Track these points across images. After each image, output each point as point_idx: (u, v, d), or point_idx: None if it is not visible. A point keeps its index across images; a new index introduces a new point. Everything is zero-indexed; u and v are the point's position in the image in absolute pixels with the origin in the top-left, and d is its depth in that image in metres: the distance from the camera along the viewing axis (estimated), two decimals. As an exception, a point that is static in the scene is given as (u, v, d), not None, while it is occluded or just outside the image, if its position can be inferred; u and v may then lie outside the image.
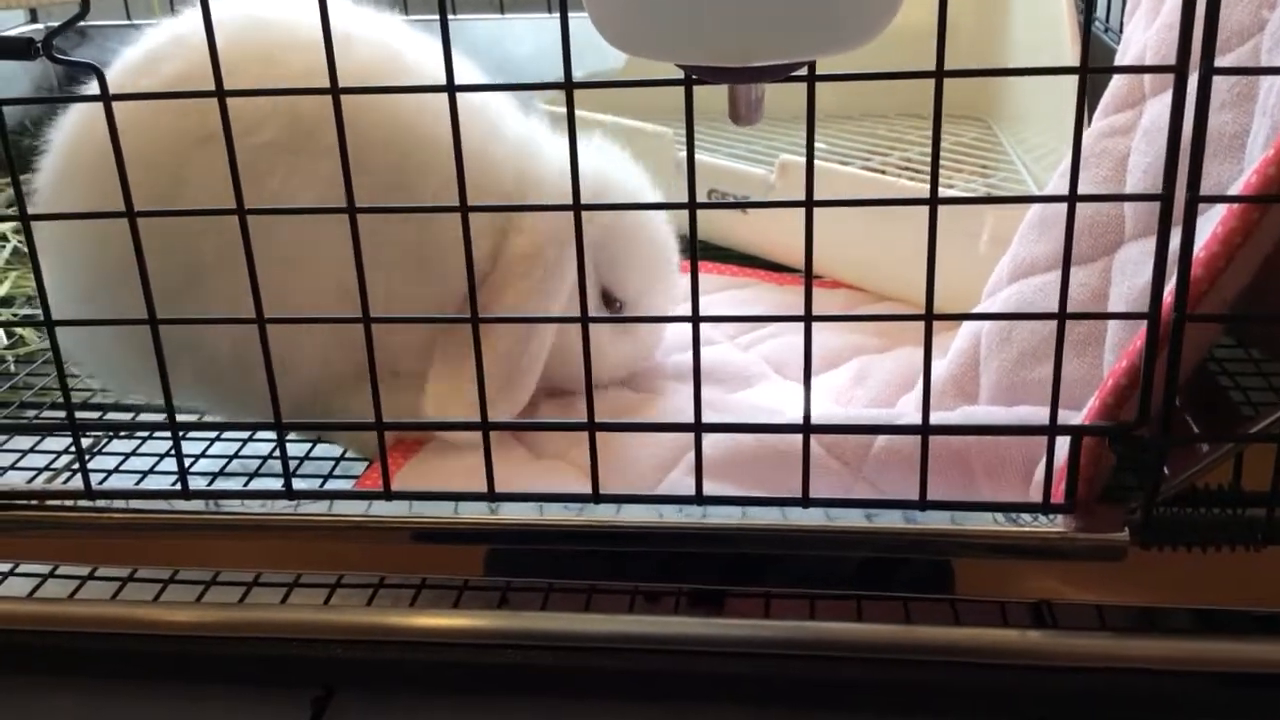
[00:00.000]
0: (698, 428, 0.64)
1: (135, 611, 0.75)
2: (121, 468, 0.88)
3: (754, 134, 1.39)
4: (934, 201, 0.56)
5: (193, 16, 0.84)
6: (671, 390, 0.95)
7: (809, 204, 0.57)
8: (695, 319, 0.61)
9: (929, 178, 0.56)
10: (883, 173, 1.25)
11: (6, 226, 1.30)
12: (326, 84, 0.58)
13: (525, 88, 0.62)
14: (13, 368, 1.06)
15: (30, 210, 0.67)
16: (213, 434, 0.92)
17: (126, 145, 0.61)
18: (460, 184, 0.60)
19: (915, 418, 0.77)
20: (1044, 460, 0.66)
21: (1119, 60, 0.90)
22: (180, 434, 0.69)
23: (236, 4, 0.83)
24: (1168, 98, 0.72)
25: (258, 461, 0.88)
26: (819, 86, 0.56)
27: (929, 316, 0.59)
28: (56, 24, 0.61)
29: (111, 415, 0.96)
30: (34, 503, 0.72)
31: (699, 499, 0.66)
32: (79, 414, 0.70)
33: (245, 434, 0.91)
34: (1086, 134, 0.83)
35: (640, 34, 0.48)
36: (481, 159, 0.59)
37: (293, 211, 0.72)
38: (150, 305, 0.64)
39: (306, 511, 0.70)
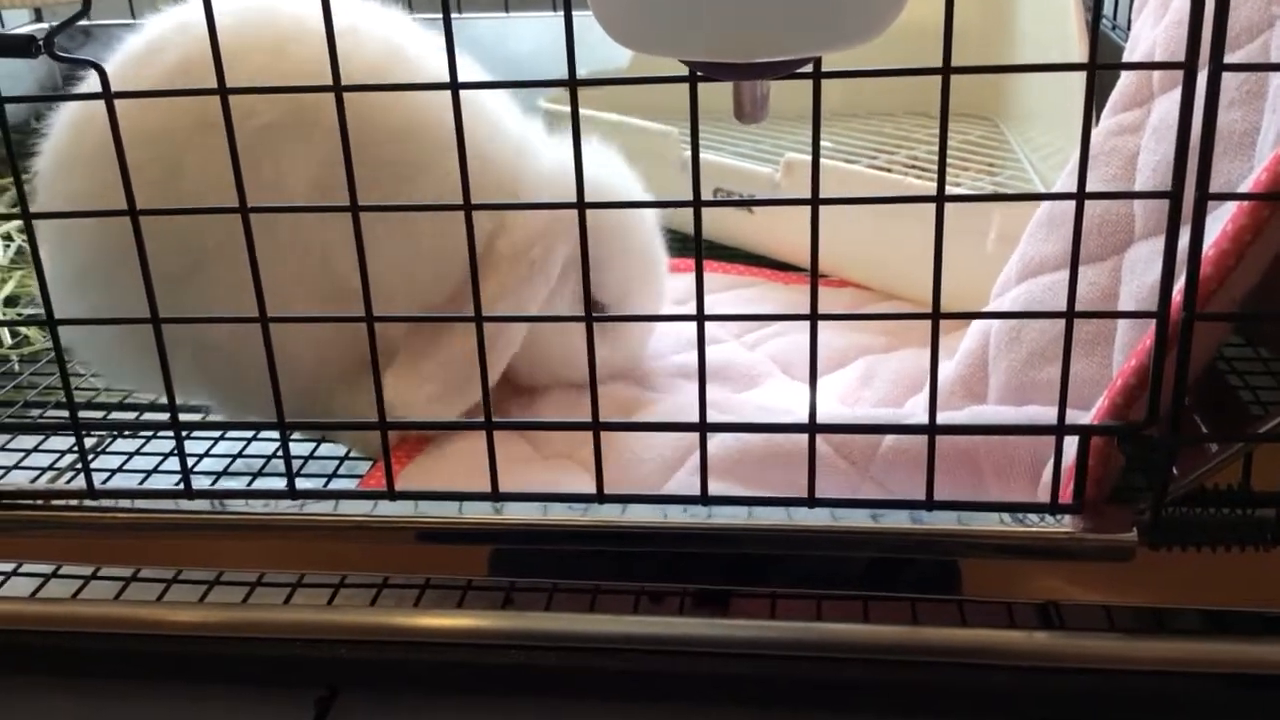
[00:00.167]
0: (703, 427, 0.64)
1: (138, 611, 0.74)
2: (125, 467, 0.88)
3: (759, 132, 1.39)
4: (941, 199, 0.56)
5: (199, 5, 0.84)
6: (678, 389, 0.95)
7: (814, 202, 0.57)
8: (700, 318, 0.61)
9: (936, 176, 0.56)
10: (889, 171, 1.24)
11: (12, 226, 1.30)
12: (330, 76, 0.58)
13: (529, 84, 0.62)
14: (17, 367, 1.06)
15: (32, 202, 0.66)
16: (216, 434, 0.91)
17: (127, 130, 0.61)
18: (464, 183, 0.60)
19: (923, 418, 0.77)
20: (1052, 460, 0.66)
21: (1127, 58, 0.90)
22: (183, 434, 0.69)
23: None
24: (1177, 95, 0.71)
25: (261, 461, 0.88)
26: (825, 84, 0.55)
27: (936, 315, 0.59)
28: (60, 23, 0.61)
29: (115, 415, 0.96)
30: (37, 502, 0.72)
31: (704, 499, 0.66)
32: (82, 413, 0.70)
33: (249, 433, 0.91)
34: (1095, 132, 0.82)
35: (644, 29, 0.48)
36: (482, 158, 0.59)
37: (296, 210, 0.71)
38: (153, 304, 0.64)
39: (310, 511, 0.69)
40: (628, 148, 0.97)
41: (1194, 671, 0.66)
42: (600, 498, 0.67)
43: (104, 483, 0.75)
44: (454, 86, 0.58)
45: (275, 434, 0.69)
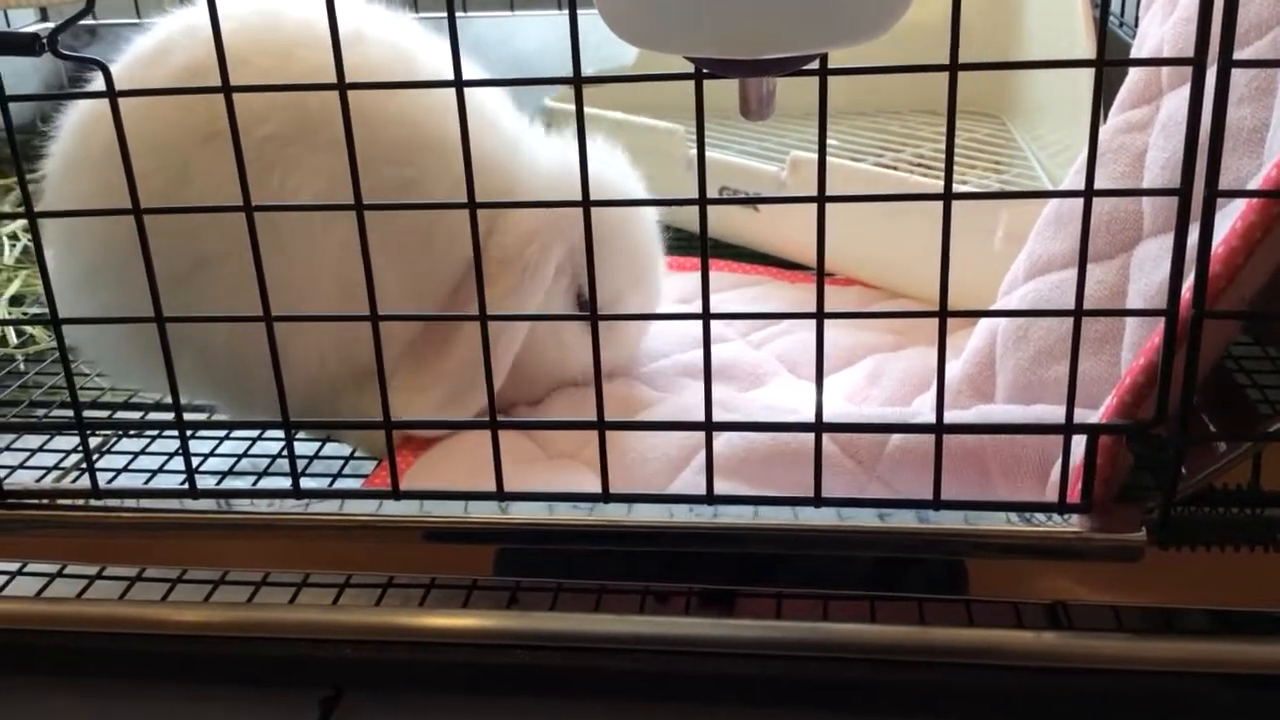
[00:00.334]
0: (708, 426, 0.64)
1: (143, 611, 0.74)
2: (130, 467, 0.88)
3: (765, 131, 1.39)
4: (948, 197, 0.56)
5: (207, 8, 0.83)
6: (682, 388, 0.94)
7: (821, 200, 0.57)
8: (706, 316, 0.61)
9: (943, 174, 0.56)
10: (895, 169, 1.24)
11: (17, 225, 1.30)
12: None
13: (535, 82, 0.61)
14: (22, 366, 1.06)
15: (38, 203, 0.66)
16: (221, 433, 0.91)
17: (134, 137, 0.61)
18: (468, 181, 0.60)
19: (930, 417, 0.77)
20: (1060, 459, 0.66)
21: (1135, 55, 0.89)
22: (188, 433, 0.69)
23: None
24: (1185, 92, 0.71)
25: (266, 460, 0.88)
26: (831, 82, 0.55)
27: (943, 313, 0.59)
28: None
29: (120, 414, 0.96)
30: (42, 502, 0.72)
31: (710, 498, 0.65)
32: (87, 413, 0.70)
33: (254, 433, 0.91)
34: (1103, 130, 0.82)
35: (649, 26, 0.47)
36: (480, 159, 0.60)
37: (298, 208, 0.71)
38: (157, 303, 0.64)
39: (315, 511, 0.69)
40: (633, 146, 0.96)
41: (1202, 672, 0.65)
42: (606, 497, 0.66)
43: (109, 482, 0.74)
44: (458, 84, 0.58)
45: (280, 433, 0.69)
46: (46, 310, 0.67)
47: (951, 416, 0.75)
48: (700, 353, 0.62)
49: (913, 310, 1.08)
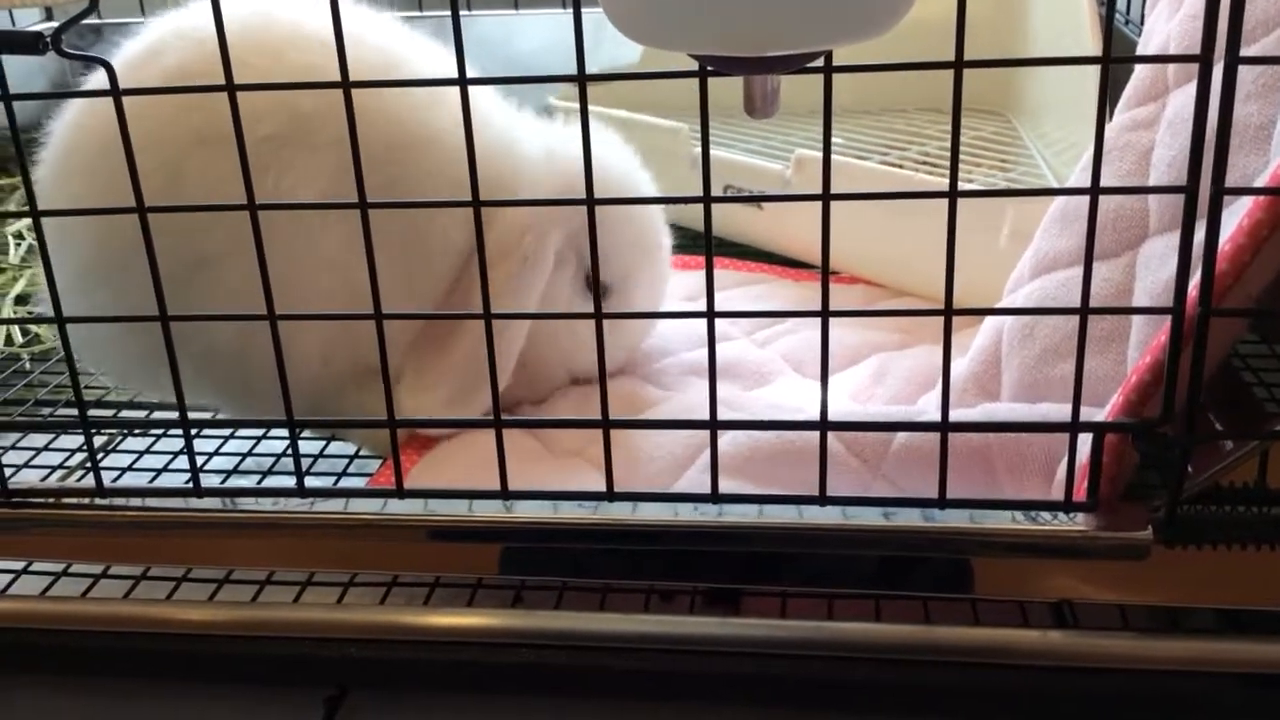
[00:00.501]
0: (713, 425, 0.64)
1: (148, 610, 0.74)
2: (135, 466, 0.88)
3: (770, 129, 1.38)
4: (954, 194, 0.56)
5: (197, 10, 0.83)
6: (687, 387, 0.94)
7: (826, 198, 0.56)
8: (710, 315, 0.61)
9: (948, 172, 0.56)
10: (900, 167, 1.23)
11: (22, 224, 1.30)
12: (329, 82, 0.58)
13: (539, 80, 0.61)
14: (28, 365, 1.06)
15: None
16: (226, 432, 0.91)
17: (119, 150, 0.60)
18: (472, 180, 0.59)
19: (936, 415, 0.77)
20: (1066, 458, 0.66)
21: (1141, 52, 0.89)
22: (193, 432, 0.69)
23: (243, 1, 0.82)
24: (1191, 89, 0.70)
25: (271, 459, 0.88)
26: (836, 80, 0.55)
27: (949, 311, 0.59)
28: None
29: (125, 413, 0.96)
30: (47, 501, 0.72)
31: (715, 497, 0.65)
32: (92, 412, 0.70)
33: (259, 432, 0.91)
34: (1108, 128, 0.82)
35: (653, 23, 0.47)
36: (464, 153, 0.60)
37: (303, 207, 0.71)
38: (161, 302, 0.64)
39: (320, 510, 0.69)
40: (638, 145, 0.96)
41: (1209, 671, 0.65)
42: (610, 496, 0.66)
43: (114, 481, 0.75)
44: (462, 82, 0.58)
45: (285, 432, 0.69)
46: (51, 309, 0.67)
47: (957, 415, 0.75)
48: (703, 351, 0.62)
49: (918, 309, 1.07)
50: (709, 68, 0.53)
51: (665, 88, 0.55)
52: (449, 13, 0.57)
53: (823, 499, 0.64)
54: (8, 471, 0.72)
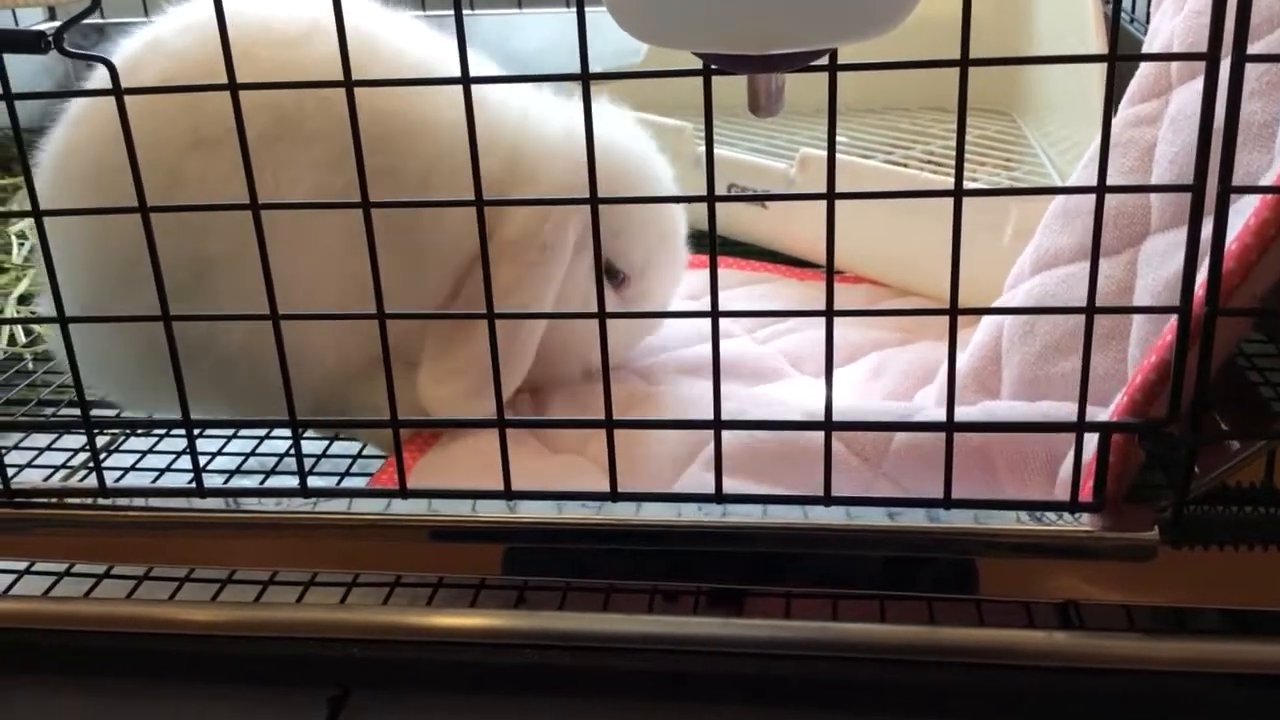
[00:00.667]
0: (717, 424, 0.63)
1: (150, 610, 0.74)
2: (137, 466, 0.88)
3: (774, 128, 1.38)
4: (959, 193, 0.55)
5: (167, 21, 0.82)
6: (688, 384, 0.94)
7: (830, 197, 0.56)
8: (715, 314, 0.60)
9: (952, 171, 0.55)
10: (905, 166, 1.23)
11: (26, 223, 1.30)
12: (297, 80, 0.58)
13: (543, 79, 0.61)
14: (31, 365, 1.06)
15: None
16: (229, 432, 0.91)
17: (114, 153, 0.60)
18: (475, 178, 0.59)
19: (934, 411, 0.76)
20: (1070, 457, 0.65)
21: (1146, 50, 0.89)
22: (196, 432, 0.69)
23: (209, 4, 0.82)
24: (1195, 86, 0.70)
25: (274, 459, 0.88)
26: (840, 79, 0.55)
27: (953, 311, 0.58)
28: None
29: (128, 413, 0.96)
30: (50, 501, 0.72)
31: (718, 497, 0.65)
32: (95, 412, 0.70)
33: (261, 432, 0.91)
34: (1112, 123, 0.81)
35: (657, 21, 0.47)
36: (476, 143, 0.59)
37: (306, 206, 0.71)
38: (164, 301, 0.64)
39: (323, 510, 0.69)
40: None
41: (1215, 672, 0.65)
42: (614, 496, 0.66)
43: (116, 481, 0.75)
44: (465, 81, 0.58)
45: (288, 432, 0.69)
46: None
47: (957, 412, 0.74)
48: (701, 348, 0.62)
49: (922, 308, 1.07)
50: (713, 66, 0.53)
51: (669, 86, 0.55)
52: (451, 12, 0.57)
53: (827, 499, 0.64)
54: (11, 471, 0.72)
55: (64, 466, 0.87)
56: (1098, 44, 1.15)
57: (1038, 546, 0.64)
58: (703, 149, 0.57)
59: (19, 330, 1.11)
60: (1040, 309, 0.80)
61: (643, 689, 0.70)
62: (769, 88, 0.53)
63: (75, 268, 0.79)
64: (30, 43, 0.57)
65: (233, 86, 0.59)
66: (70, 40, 0.59)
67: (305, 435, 0.88)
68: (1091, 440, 0.64)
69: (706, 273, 0.60)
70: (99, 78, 0.73)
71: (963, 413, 0.76)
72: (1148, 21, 0.91)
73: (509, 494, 0.67)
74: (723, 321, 0.61)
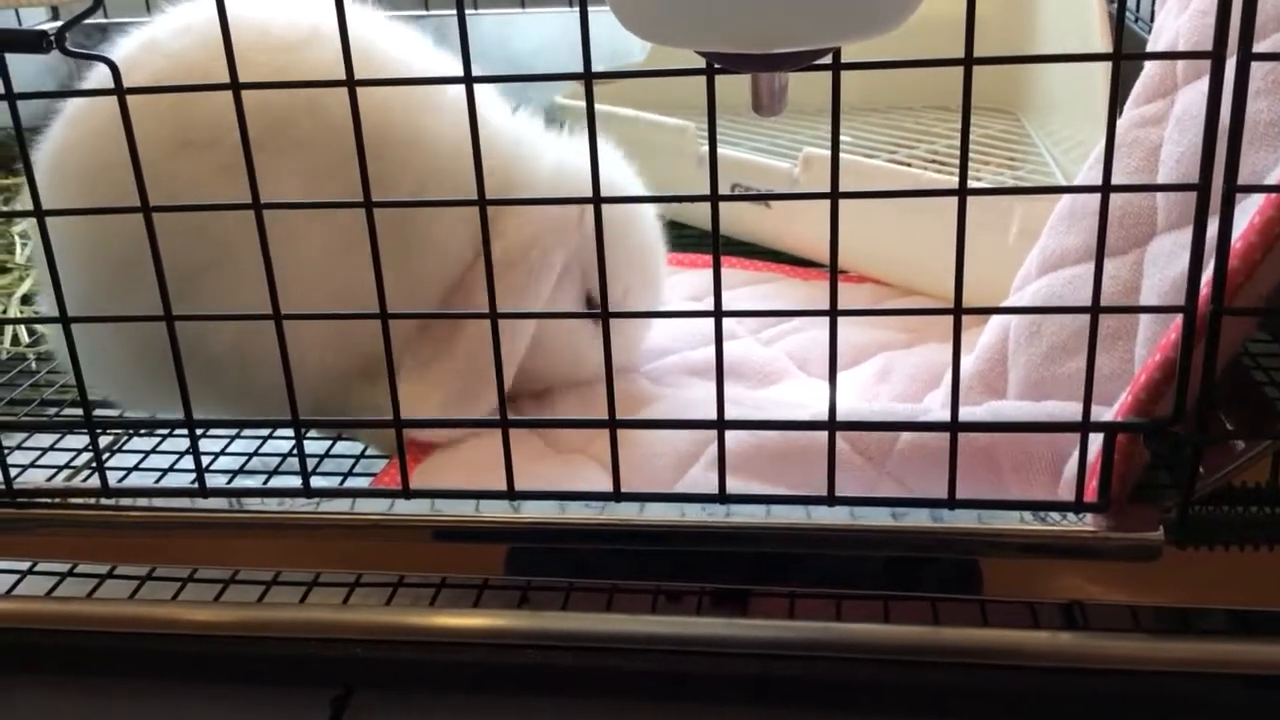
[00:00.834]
0: (720, 425, 0.63)
1: (154, 610, 0.74)
2: (140, 466, 0.87)
3: (778, 127, 1.38)
4: (963, 192, 0.55)
5: (162, 21, 0.82)
6: (691, 385, 0.94)
7: (834, 196, 0.56)
8: (718, 314, 0.60)
9: (956, 170, 0.55)
10: (909, 165, 1.23)
11: (28, 223, 1.30)
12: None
13: (544, 78, 0.61)
14: (34, 365, 1.06)
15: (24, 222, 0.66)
16: (232, 432, 0.91)
17: (109, 153, 0.60)
18: (478, 178, 0.59)
19: (939, 412, 0.76)
20: (1075, 457, 0.65)
21: (1151, 49, 0.88)
22: (198, 432, 0.69)
23: (207, 6, 0.81)
24: (1200, 85, 0.70)
25: (277, 459, 0.87)
26: (844, 78, 0.54)
27: (958, 310, 0.58)
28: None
29: (131, 413, 0.96)
30: (53, 501, 0.72)
31: (722, 497, 0.65)
32: (98, 411, 0.70)
33: (264, 432, 0.90)
34: (1117, 124, 0.81)
35: (660, 19, 0.47)
36: (465, 155, 0.59)
37: (306, 206, 0.71)
38: (166, 301, 0.64)
39: (326, 510, 0.69)
40: (644, 143, 0.96)
41: (1220, 673, 0.65)
42: (617, 496, 0.66)
43: (119, 481, 0.75)
44: (468, 80, 0.58)
45: (290, 432, 0.69)
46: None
47: (963, 413, 0.74)
48: (706, 350, 0.62)
49: (927, 308, 1.07)
50: (716, 65, 0.53)
51: (672, 85, 0.55)
52: (454, 12, 0.57)
53: (831, 499, 0.64)
54: (14, 471, 0.72)
55: (67, 466, 0.87)
56: (1102, 43, 1.15)
57: (1042, 547, 0.64)
58: (706, 148, 0.57)
59: (22, 330, 1.11)
60: (1045, 309, 0.80)
61: (646, 689, 0.70)
62: (772, 87, 0.53)
63: (72, 267, 0.79)
64: (32, 42, 0.57)
65: (234, 86, 0.59)
66: (73, 40, 0.59)
67: (308, 436, 0.88)
68: (1096, 440, 0.64)
69: (709, 272, 0.60)
70: (95, 77, 0.73)
71: (967, 413, 0.76)
72: (1152, 20, 0.91)
73: (512, 494, 0.67)
74: (727, 323, 0.62)
